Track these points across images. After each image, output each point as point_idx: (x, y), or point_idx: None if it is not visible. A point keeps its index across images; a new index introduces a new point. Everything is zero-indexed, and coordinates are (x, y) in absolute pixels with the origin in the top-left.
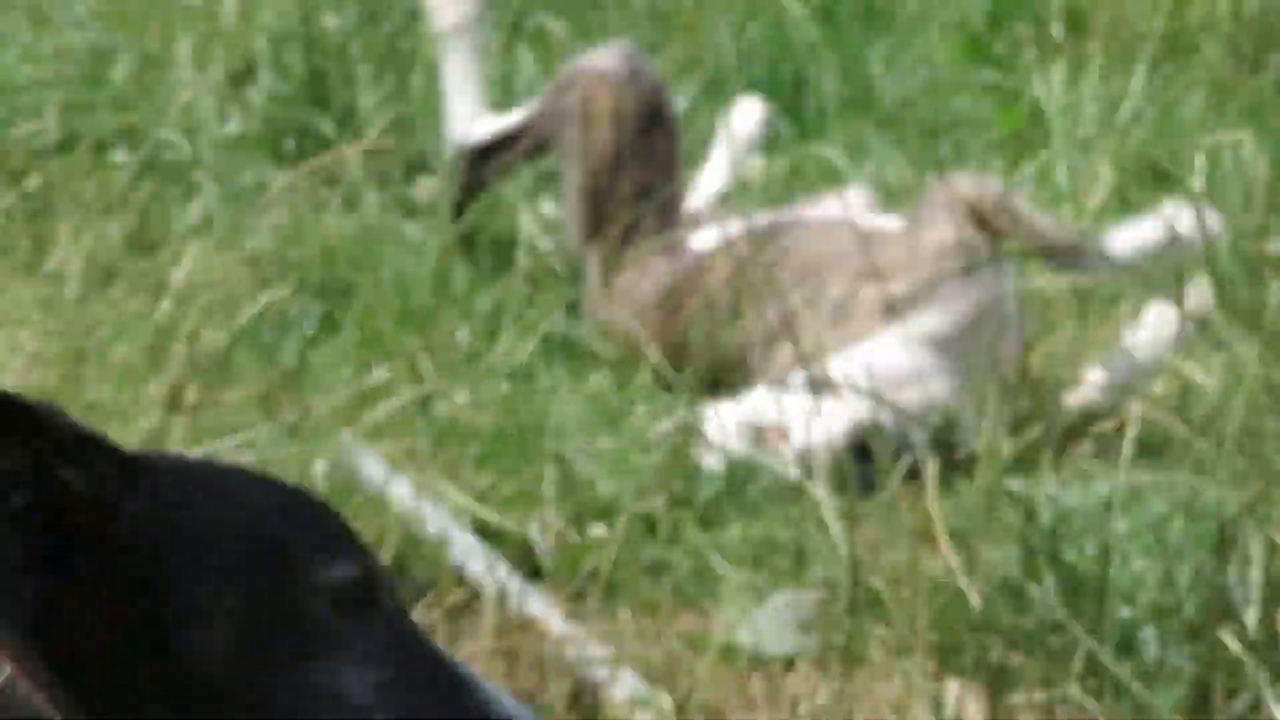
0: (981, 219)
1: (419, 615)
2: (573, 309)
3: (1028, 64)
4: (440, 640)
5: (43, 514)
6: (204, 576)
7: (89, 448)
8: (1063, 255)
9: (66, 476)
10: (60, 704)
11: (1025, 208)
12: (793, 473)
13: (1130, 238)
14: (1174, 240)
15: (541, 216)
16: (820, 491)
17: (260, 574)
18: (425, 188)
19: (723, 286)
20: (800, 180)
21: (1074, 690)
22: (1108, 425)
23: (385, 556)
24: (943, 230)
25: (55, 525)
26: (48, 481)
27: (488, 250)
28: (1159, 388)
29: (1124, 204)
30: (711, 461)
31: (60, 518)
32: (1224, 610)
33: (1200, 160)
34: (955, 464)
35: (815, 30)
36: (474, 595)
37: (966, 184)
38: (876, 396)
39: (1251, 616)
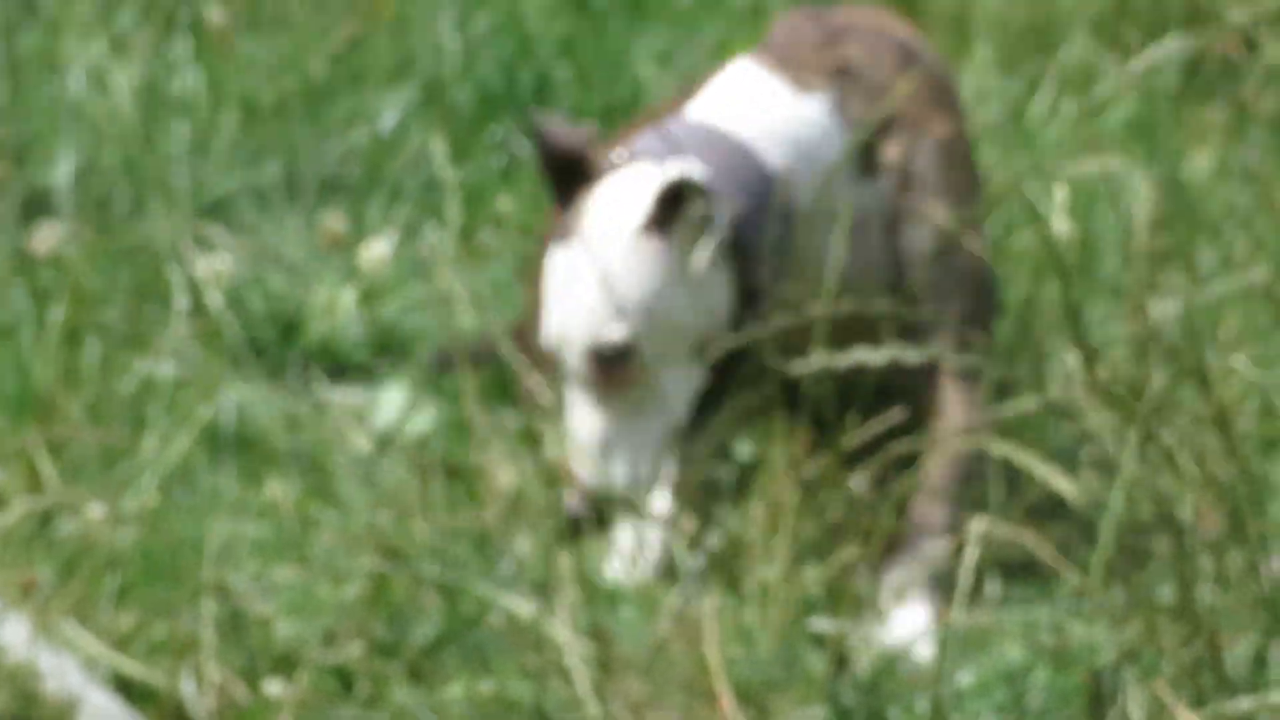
0: None
1: None
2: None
3: None
4: None
5: None
6: None
7: None
8: None
9: None
10: None
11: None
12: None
13: None
14: None
15: (212, 261)
16: (564, 633)
17: None
18: (47, 234)
19: None
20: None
21: None
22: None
23: None
24: None
25: None
26: None
27: (130, 311)
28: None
29: None
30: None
31: None
32: None
33: (1061, 193)
34: (744, 595)
35: (564, 22)
36: None
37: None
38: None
39: None
